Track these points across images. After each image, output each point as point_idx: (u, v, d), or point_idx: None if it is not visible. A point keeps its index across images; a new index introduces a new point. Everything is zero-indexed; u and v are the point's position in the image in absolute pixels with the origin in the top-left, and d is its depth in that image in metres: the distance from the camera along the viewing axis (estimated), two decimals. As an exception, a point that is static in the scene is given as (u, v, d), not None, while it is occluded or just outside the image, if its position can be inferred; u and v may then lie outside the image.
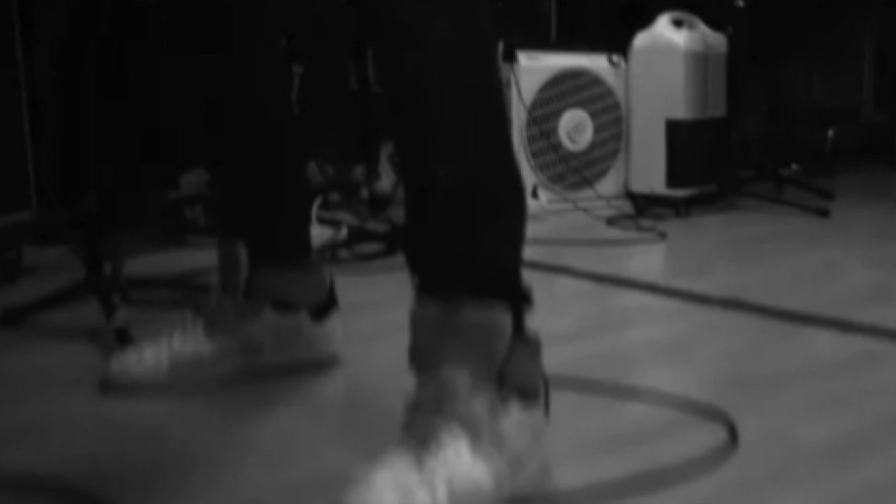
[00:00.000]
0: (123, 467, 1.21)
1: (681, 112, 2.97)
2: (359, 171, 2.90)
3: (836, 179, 3.40)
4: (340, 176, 2.88)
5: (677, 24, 3.01)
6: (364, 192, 2.86)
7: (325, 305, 1.55)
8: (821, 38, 3.77)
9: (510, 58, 2.92)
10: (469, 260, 1.12)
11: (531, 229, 1.18)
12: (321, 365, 1.55)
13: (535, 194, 2.94)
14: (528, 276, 1.15)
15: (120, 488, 1.15)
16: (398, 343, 1.14)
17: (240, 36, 1.44)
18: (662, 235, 2.66)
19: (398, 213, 2.59)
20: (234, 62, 1.44)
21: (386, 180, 2.80)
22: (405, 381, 1.10)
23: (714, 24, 3.06)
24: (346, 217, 2.69)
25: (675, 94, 2.96)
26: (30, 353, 1.68)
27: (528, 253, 1.18)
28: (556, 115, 3.04)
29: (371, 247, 2.46)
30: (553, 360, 1.17)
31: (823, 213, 2.88)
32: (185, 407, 1.40)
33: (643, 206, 2.99)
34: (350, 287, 1.71)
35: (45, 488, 1.15)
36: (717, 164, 3.05)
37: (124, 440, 1.30)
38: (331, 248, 2.41)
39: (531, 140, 2.99)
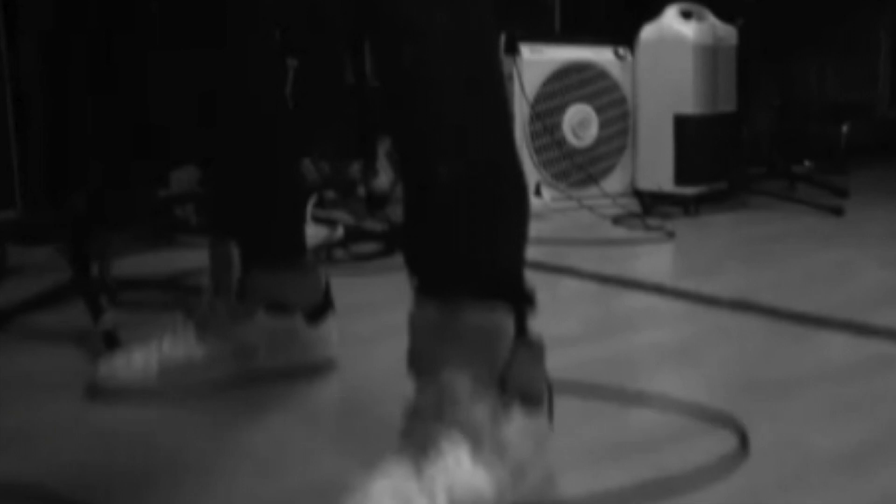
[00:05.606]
0: (111, 475, 1.20)
1: (689, 107, 2.96)
2: (355, 168, 2.92)
3: (850, 177, 3.40)
4: (336, 173, 2.89)
5: (686, 15, 3.01)
6: (361, 190, 2.87)
7: (321, 307, 1.54)
8: (835, 30, 3.77)
9: (512, 50, 2.92)
10: (470, 260, 1.10)
11: (534, 228, 1.16)
12: (317, 369, 1.53)
13: (538, 192, 2.93)
14: (531, 277, 1.14)
15: (108, 497, 1.13)
16: (396, 346, 1.12)
17: (233, 29, 1.43)
18: (670, 235, 2.65)
19: (396, 212, 2.59)
20: (227, 56, 1.43)
21: (384, 177, 2.80)
22: (404, 386, 1.09)
23: (724, 15, 3.07)
24: (342, 216, 2.68)
25: (684, 88, 2.95)
26: (14, 357, 1.66)
27: (531, 253, 1.16)
28: (561, 109, 3.03)
29: (368, 246, 2.45)
30: (557, 363, 1.16)
31: (837, 212, 2.86)
32: (175, 413, 1.38)
33: (650, 205, 2.98)
34: (347, 288, 1.69)
35: (31, 496, 1.13)
36: (727, 161, 3.05)
37: (113, 447, 1.29)
38: (326, 248, 2.41)
39: (534, 136, 2.98)
